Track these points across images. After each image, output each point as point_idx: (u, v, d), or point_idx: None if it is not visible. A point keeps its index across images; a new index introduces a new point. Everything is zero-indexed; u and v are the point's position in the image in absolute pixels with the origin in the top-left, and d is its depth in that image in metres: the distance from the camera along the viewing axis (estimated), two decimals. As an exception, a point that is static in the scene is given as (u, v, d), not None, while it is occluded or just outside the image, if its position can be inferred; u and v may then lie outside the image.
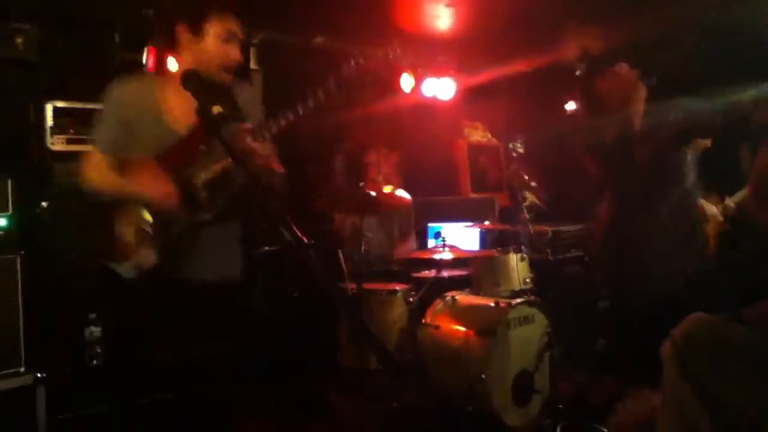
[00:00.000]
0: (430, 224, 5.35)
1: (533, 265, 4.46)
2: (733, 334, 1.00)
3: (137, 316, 2.36)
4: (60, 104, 3.63)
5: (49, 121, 3.59)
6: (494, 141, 6.68)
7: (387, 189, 4.98)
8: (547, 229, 5.25)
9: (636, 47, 4.34)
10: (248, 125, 2.34)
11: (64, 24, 3.92)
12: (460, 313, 4.08)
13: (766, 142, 2.12)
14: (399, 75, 5.64)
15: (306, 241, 1.78)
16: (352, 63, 2.37)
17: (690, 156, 3.63)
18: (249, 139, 2.27)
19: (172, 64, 4.22)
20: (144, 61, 4.11)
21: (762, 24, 4.09)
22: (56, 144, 3.60)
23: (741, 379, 0.97)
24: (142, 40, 4.08)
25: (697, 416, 0.99)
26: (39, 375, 3.14)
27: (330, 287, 2.03)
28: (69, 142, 3.64)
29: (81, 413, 3.19)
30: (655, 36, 4.40)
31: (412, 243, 5.36)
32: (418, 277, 4.68)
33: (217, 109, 2.08)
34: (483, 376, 3.67)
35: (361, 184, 4.61)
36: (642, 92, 3.60)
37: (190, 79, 2.20)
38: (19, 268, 3.25)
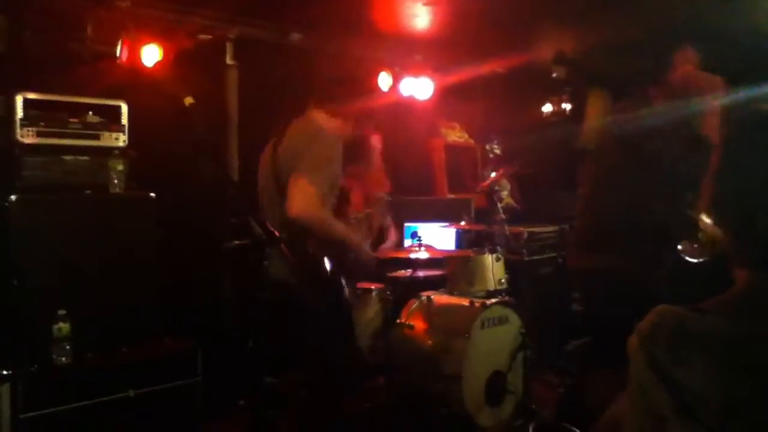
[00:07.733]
0: (406, 224, 5.33)
1: (508, 266, 4.47)
2: (693, 322, 1.10)
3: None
4: (31, 96, 3.54)
5: (19, 113, 3.50)
6: (471, 142, 6.68)
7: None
8: (523, 230, 5.26)
9: (612, 50, 4.36)
10: None
11: (34, 15, 3.85)
12: (435, 313, 4.07)
13: None
14: (377, 73, 5.60)
15: (277, 234, 1.76)
16: None
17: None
18: None
19: (147, 57, 4.17)
20: (118, 53, 4.04)
21: (740, 28, 4.12)
22: (26, 137, 3.51)
23: (700, 364, 1.06)
24: (115, 32, 4.01)
25: (660, 400, 1.07)
26: (3, 373, 3.07)
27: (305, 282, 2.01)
28: (39, 134, 3.56)
29: (47, 412, 3.12)
30: (630, 39, 4.42)
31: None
32: (393, 277, 4.66)
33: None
34: (457, 376, 3.67)
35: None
36: None
37: None
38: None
